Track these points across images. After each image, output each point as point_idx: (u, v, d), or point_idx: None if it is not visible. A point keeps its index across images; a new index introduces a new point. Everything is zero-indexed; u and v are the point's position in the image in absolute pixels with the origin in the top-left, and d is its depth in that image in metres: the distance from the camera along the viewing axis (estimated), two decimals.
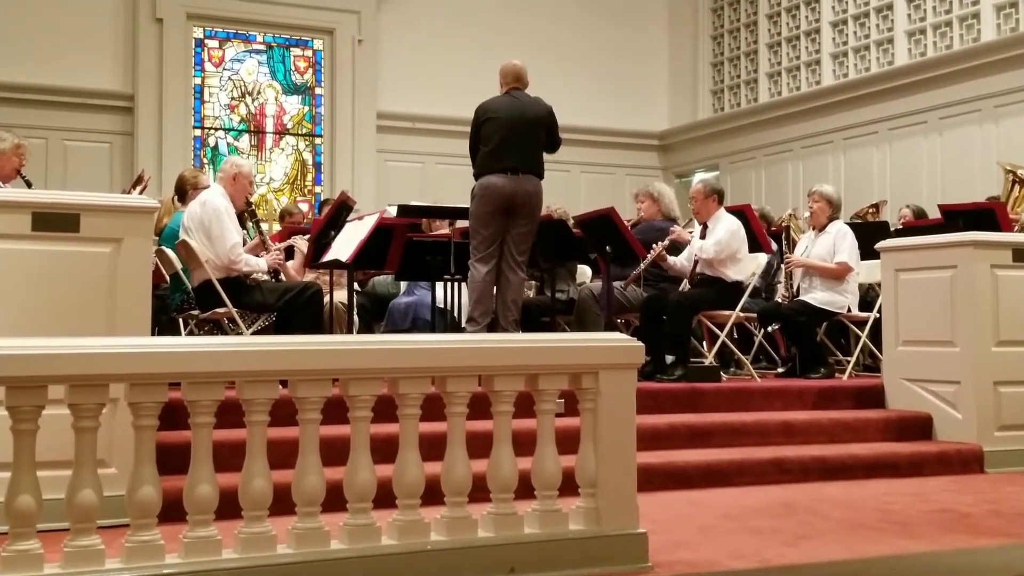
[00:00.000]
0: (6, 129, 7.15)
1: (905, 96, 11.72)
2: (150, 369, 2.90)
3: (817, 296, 7.34)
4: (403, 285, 8.00)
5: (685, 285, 7.39)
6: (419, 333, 7.01)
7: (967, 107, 11.06)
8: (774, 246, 7.91)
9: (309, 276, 7.37)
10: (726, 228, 7.14)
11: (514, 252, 6.75)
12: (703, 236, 7.24)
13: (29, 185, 6.96)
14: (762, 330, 7.75)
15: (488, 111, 6.87)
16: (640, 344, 3.56)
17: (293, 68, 13.63)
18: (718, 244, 7.08)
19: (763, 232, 7.77)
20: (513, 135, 6.75)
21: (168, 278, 6.65)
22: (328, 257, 6.68)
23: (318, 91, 13.70)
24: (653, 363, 6.71)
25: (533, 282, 8.49)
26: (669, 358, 6.86)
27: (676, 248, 7.41)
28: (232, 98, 13.36)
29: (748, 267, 7.28)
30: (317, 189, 13.59)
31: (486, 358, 3.37)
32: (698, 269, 7.17)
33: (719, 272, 7.11)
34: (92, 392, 2.87)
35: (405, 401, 3.26)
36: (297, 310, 6.21)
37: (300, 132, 13.70)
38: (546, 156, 6.95)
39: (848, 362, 7.54)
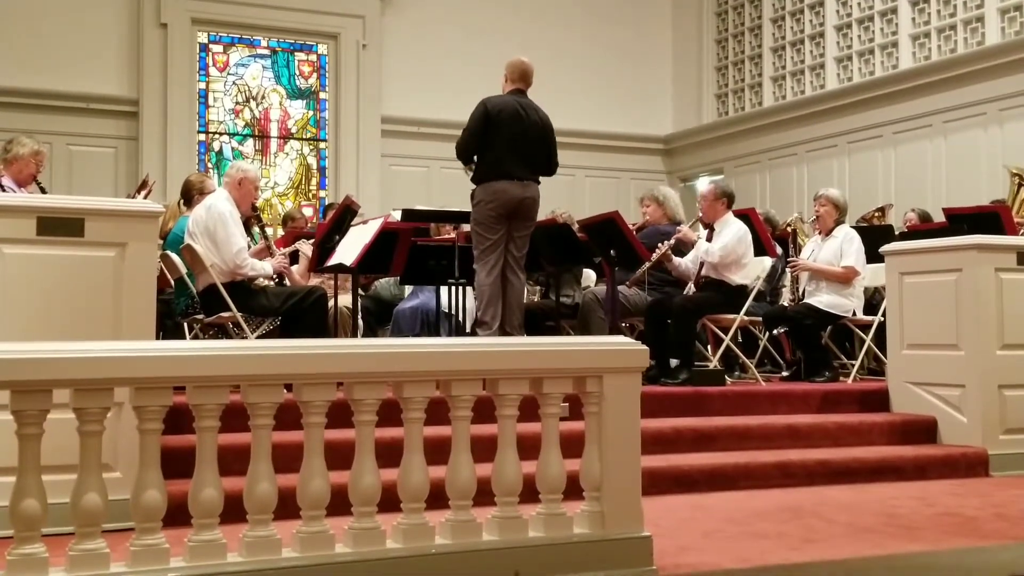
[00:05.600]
0: (28, 135, 7.17)
1: (909, 100, 11.70)
2: (155, 373, 2.91)
3: (823, 299, 7.33)
4: (407, 289, 8.00)
5: (690, 289, 7.39)
6: (424, 337, 7.01)
7: (972, 111, 11.04)
8: (779, 250, 7.91)
9: (314, 280, 7.38)
10: (734, 233, 7.14)
11: (516, 255, 6.75)
12: (709, 239, 7.23)
13: (44, 191, 6.98)
14: (767, 334, 7.74)
15: (498, 111, 6.71)
16: (644, 348, 3.55)
17: (297, 73, 13.64)
18: (724, 249, 7.07)
19: (768, 236, 7.76)
20: (523, 141, 6.71)
21: (173, 282, 6.66)
22: (333, 261, 6.69)
23: (322, 95, 13.71)
24: (657, 367, 6.71)
25: (538, 287, 8.48)
26: (674, 362, 6.87)
27: (681, 249, 7.41)
28: (237, 103, 13.37)
29: (753, 271, 7.29)
30: (322, 193, 13.60)
31: (490, 362, 3.37)
32: (703, 273, 7.17)
33: (724, 276, 7.11)
34: (97, 396, 2.88)
35: (410, 405, 3.26)
36: (302, 314, 6.23)
37: (304, 136, 13.71)
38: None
39: (853, 366, 7.53)
